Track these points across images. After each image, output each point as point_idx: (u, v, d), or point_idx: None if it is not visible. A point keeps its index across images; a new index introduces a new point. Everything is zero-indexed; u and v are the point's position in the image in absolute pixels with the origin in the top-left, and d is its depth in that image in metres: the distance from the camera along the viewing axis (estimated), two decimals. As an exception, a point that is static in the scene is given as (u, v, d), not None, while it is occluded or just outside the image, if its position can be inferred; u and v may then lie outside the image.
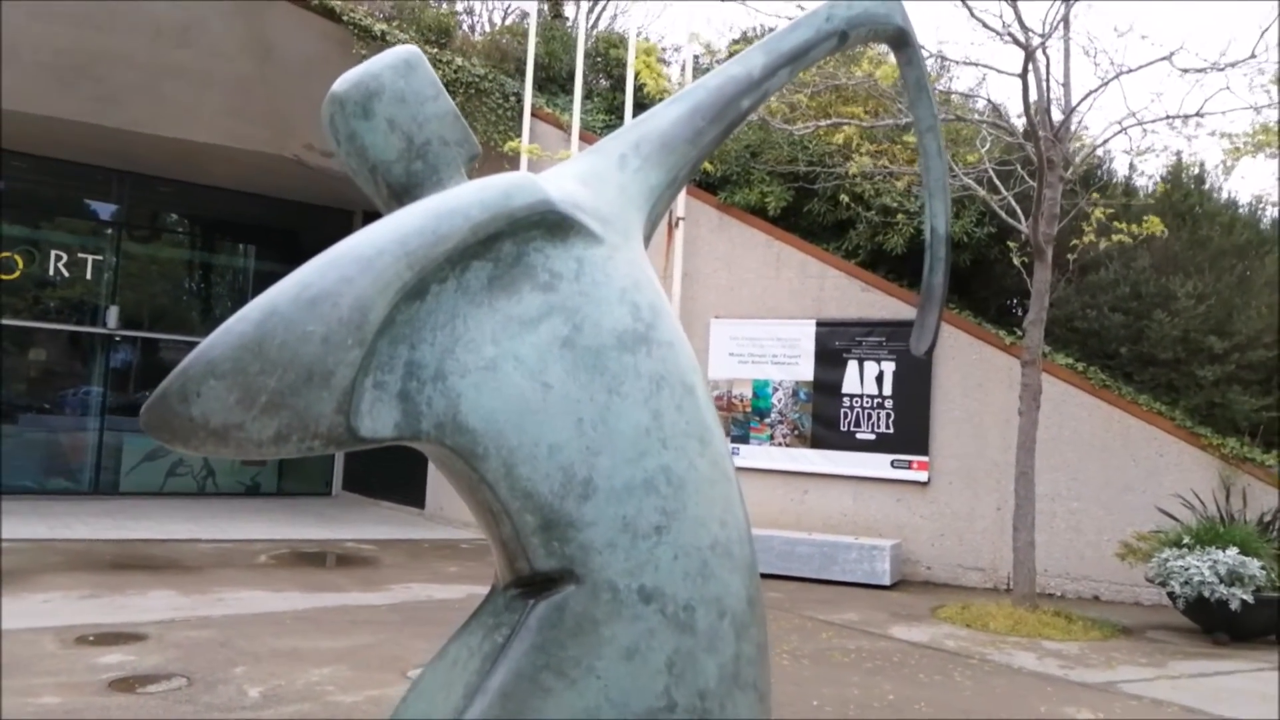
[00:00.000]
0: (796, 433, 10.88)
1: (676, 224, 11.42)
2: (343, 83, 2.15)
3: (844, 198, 10.49)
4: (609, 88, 13.80)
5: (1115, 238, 8.66)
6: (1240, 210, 10.97)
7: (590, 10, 14.73)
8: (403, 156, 2.15)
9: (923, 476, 10.32)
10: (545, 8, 15.47)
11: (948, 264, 3.04)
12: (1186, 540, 7.83)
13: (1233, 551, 7.45)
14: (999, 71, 8.12)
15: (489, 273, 2.01)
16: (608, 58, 13.69)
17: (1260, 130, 9.77)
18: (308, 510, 13.60)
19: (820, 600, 9.02)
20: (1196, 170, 10.88)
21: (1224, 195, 11.12)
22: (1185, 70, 8.02)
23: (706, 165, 10.25)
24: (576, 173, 2.30)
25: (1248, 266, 9.81)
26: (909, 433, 10.39)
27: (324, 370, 1.81)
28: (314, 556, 10.15)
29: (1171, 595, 7.75)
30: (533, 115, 12.27)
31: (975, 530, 10.12)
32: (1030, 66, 7.61)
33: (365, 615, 7.29)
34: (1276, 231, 10.53)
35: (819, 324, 10.82)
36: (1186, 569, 7.47)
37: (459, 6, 15.05)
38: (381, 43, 11.43)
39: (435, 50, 12.09)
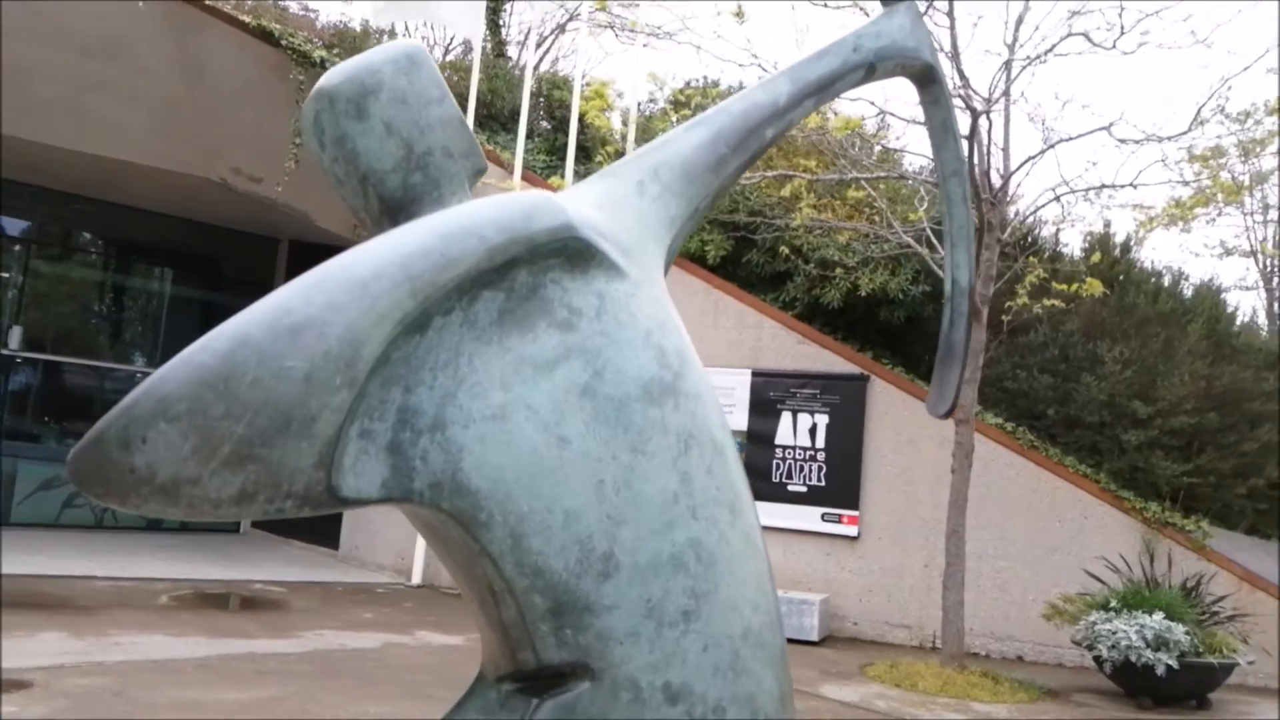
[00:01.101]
0: (728, 483, 10.75)
1: (614, 268, 11.32)
2: (334, 75, 1.86)
3: (784, 249, 10.52)
4: (551, 129, 13.73)
5: (1048, 301, 8.81)
6: (1163, 279, 11.34)
7: (537, 49, 14.70)
8: (400, 166, 1.84)
9: (853, 531, 10.27)
10: (489, 46, 15.39)
11: (969, 319, 2.86)
12: (1113, 604, 7.89)
13: (1158, 616, 7.51)
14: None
15: (500, 305, 1.71)
16: (551, 99, 13.62)
17: (1174, 205, 10.14)
18: (213, 548, 12.93)
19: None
20: (1122, 239, 11.23)
21: (1148, 264, 11.49)
22: (1122, 141, 8.24)
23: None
24: (591, 197, 2.02)
25: (1171, 334, 10.10)
26: (840, 486, 10.35)
27: (305, 415, 1.50)
28: (219, 598, 9.61)
29: (1098, 659, 7.77)
30: (473, 151, 12.10)
31: (903, 587, 10.08)
32: (976, 129, 7.74)
33: (274, 664, 6.86)
34: (1197, 301, 10.88)
35: (755, 374, 10.77)
36: (1114, 633, 7.50)
37: (400, 38, 14.81)
38: (320, 69, 11.17)
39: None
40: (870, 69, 2.53)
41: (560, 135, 13.59)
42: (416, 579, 11.30)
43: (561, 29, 17.10)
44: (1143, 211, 10.52)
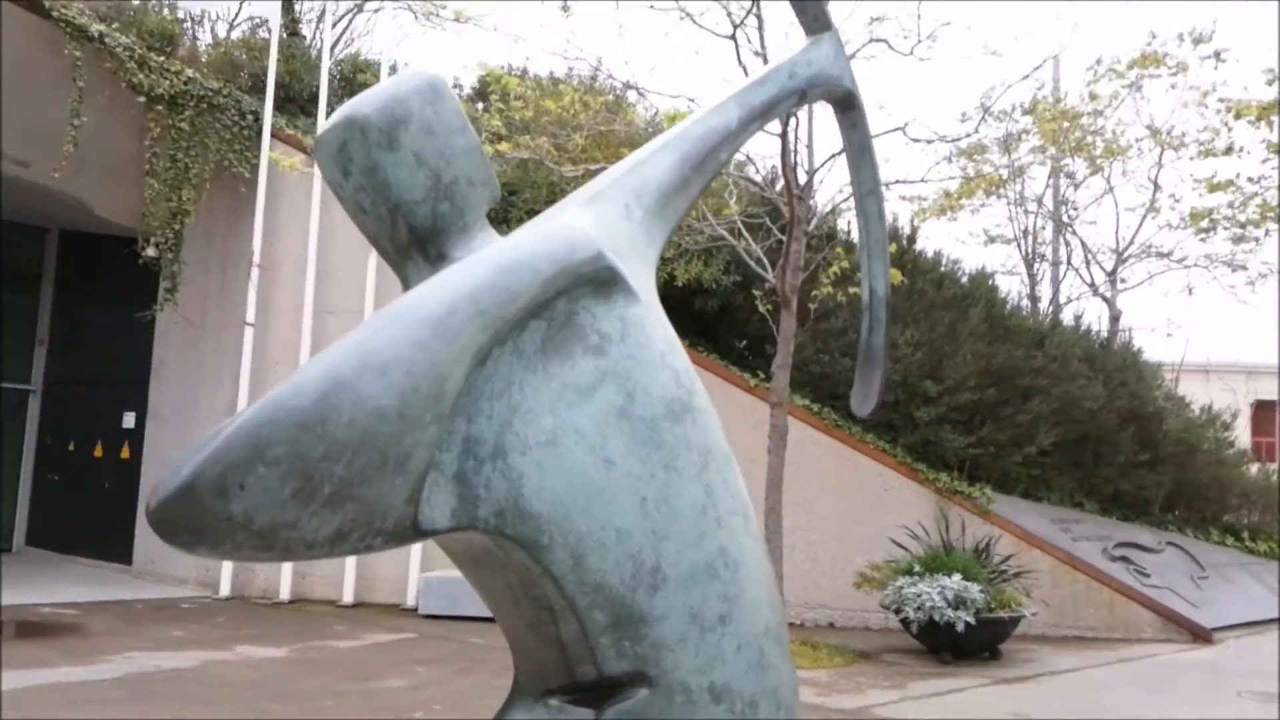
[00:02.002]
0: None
1: (430, 259, 11.10)
2: (365, 105, 1.82)
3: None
4: (353, 114, 13.22)
5: (852, 290, 9.40)
6: (946, 267, 12.33)
7: (334, 27, 14.09)
8: (429, 196, 1.85)
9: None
10: (282, 24, 14.58)
11: (887, 326, 3.06)
12: (917, 569, 8.58)
13: (957, 577, 8.25)
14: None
15: (543, 334, 1.76)
16: (354, 82, 13.11)
17: (943, 195, 11.08)
18: (-15, 570, 11.73)
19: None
20: (909, 230, 12.12)
21: (930, 253, 12.46)
22: (914, 140, 8.91)
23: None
24: (589, 222, 2.05)
25: (955, 318, 11.02)
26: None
27: (400, 453, 1.51)
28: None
29: (905, 620, 8.44)
30: (273, 136, 11.49)
31: (723, 565, 10.51)
32: (785, 129, 8.14)
33: (86, 693, 6.35)
34: (974, 287, 11.93)
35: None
36: (919, 595, 8.17)
37: (181, 13, 13.83)
38: (99, 44, 10.27)
39: (162, 59, 11.02)
40: (803, 95, 2.70)
41: (365, 121, 13.13)
42: (225, 591, 10.71)
43: (359, 8, 16.44)
44: (918, 202, 11.41)
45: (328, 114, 11.66)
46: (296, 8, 15.77)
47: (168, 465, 1.48)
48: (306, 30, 16.39)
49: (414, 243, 1.86)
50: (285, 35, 14.63)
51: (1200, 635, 9.93)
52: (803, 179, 9.03)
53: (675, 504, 1.83)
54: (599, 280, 1.85)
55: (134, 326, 12.04)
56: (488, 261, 1.74)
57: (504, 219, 11.46)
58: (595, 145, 9.63)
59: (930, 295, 10.84)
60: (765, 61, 8.32)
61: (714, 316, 11.36)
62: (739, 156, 10.35)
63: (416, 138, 1.83)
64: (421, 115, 1.85)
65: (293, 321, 11.09)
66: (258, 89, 12.14)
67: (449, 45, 13.15)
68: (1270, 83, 17.58)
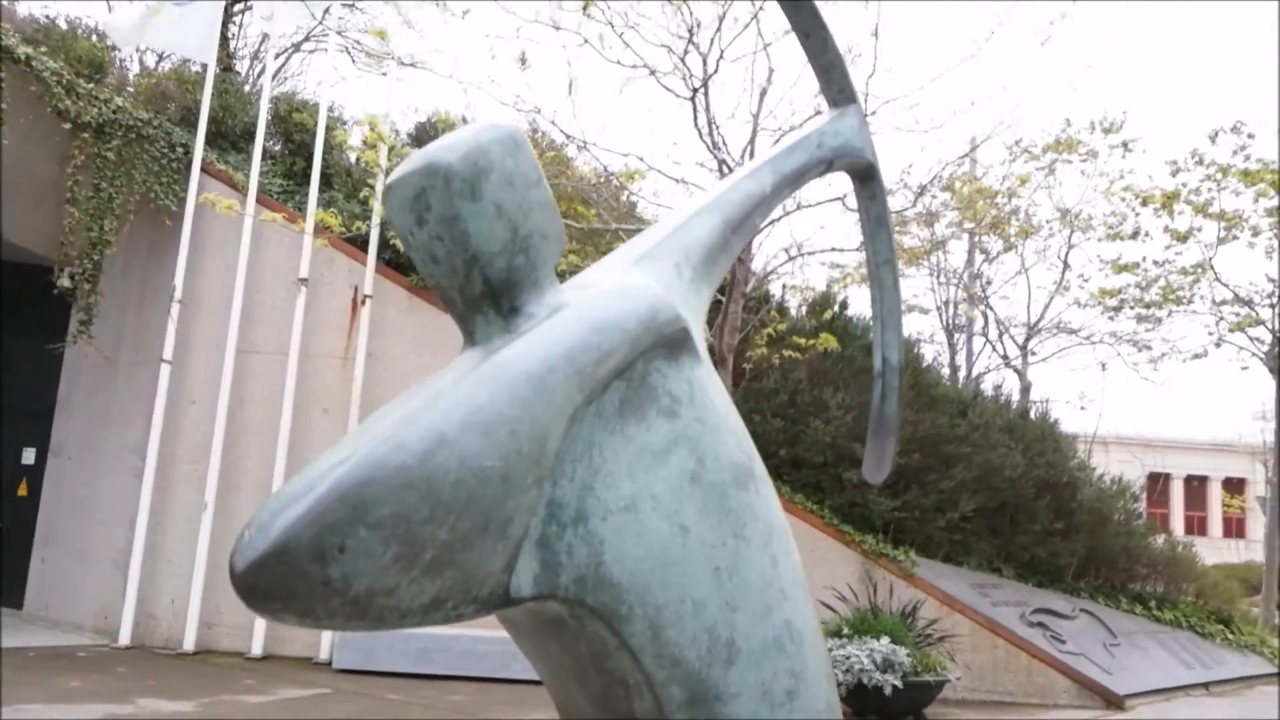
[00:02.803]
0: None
1: (363, 302, 10.90)
2: (447, 152, 1.74)
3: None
4: (288, 152, 13.02)
5: (787, 352, 9.54)
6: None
7: (275, 59, 13.89)
8: (506, 248, 1.78)
9: (602, 570, 10.47)
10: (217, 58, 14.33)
11: (900, 394, 3.08)
12: (845, 631, 8.60)
13: (884, 640, 8.29)
14: (700, 189, 8.74)
15: (622, 394, 1.71)
16: (289, 121, 12.93)
17: (861, 265, 11.40)
18: None
19: (504, 701, 8.74)
20: (842, 295, 12.39)
21: (862, 319, 12.72)
22: (851, 209, 9.15)
23: (400, 242, 9.95)
24: (649, 279, 2.03)
25: (884, 383, 11.24)
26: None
27: (502, 517, 1.46)
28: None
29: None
30: (203, 170, 11.23)
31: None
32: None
33: (-26, 752, 5.91)
34: (903, 355, 12.19)
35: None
36: (848, 658, 8.17)
37: (111, 41, 13.50)
38: (26, 67, 9.94)
39: (90, 85, 10.71)
40: (829, 164, 2.77)
41: (298, 160, 12.93)
42: (124, 639, 10.15)
43: (296, 47, 16.28)
44: (840, 270, 11.66)
45: (264, 152, 11.48)
46: (231, 43, 15.55)
47: (252, 522, 1.37)
48: (240, 66, 16.16)
49: (487, 295, 1.79)
50: (219, 69, 14.41)
51: (1113, 701, 10.14)
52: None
53: (745, 574, 1.79)
54: (674, 341, 1.83)
55: (40, 359, 11.51)
56: (579, 320, 1.70)
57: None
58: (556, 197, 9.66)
59: (860, 360, 11.03)
60: (712, 127, 8.49)
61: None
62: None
63: (498, 189, 1.77)
64: (503, 166, 1.79)
65: (213, 360, 10.75)
66: (188, 122, 11.89)
67: (387, 90, 13.09)
68: (1174, 173, 18.69)
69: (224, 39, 14.80)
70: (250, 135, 11.90)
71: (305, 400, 10.76)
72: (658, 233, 2.31)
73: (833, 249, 9.58)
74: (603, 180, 9.42)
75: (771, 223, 9.40)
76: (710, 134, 8.13)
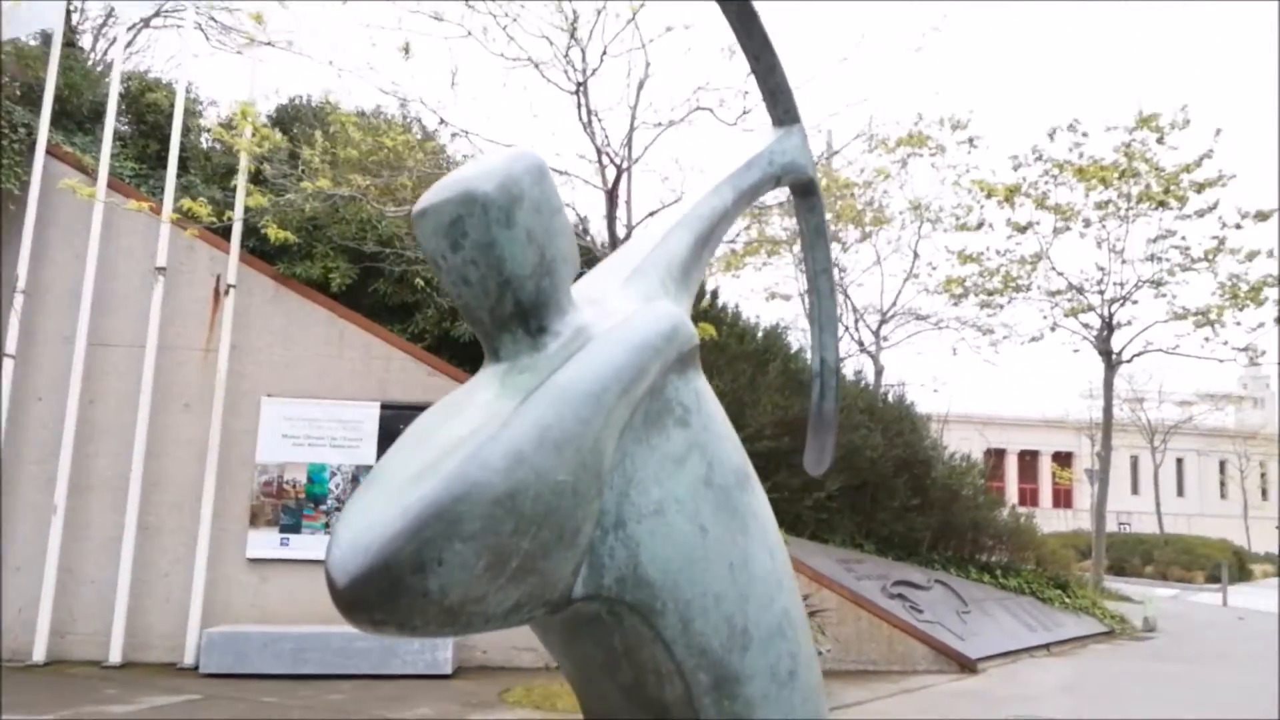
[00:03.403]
0: (354, 520, 10.40)
1: (226, 291, 10.48)
2: (483, 181, 1.79)
3: (419, 281, 10.48)
4: (139, 134, 12.35)
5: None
6: (746, 322, 12.99)
7: (126, 47, 13.08)
8: (535, 272, 1.84)
9: (482, 561, 10.45)
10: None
11: (837, 392, 3.25)
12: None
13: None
14: (588, 183, 8.81)
15: (647, 407, 1.80)
16: (141, 101, 12.25)
17: (730, 254, 11.78)
18: None
19: (386, 698, 8.65)
20: (714, 285, 12.70)
21: (733, 308, 13.08)
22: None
23: (273, 231, 9.61)
24: (642, 295, 2.14)
25: (755, 371, 11.61)
26: (470, 517, 10.48)
27: (573, 527, 1.55)
28: None
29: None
30: (48, 153, 10.53)
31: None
32: (616, 186, 8.39)
33: None
34: (771, 341, 12.63)
35: (384, 406, 10.57)
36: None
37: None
38: None
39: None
40: (779, 180, 2.94)
41: (151, 142, 12.29)
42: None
43: (145, 22, 15.37)
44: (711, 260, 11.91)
45: (115, 134, 10.86)
46: (73, 16, 14.57)
47: (340, 540, 1.46)
48: (83, 42, 15.17)
49: (517, 316, 1.87)
50: (62, 45, 13.53)
51: (967, 665, 10.86)
52: (622, 233, 9.30)
53: (752, 568, 1.95)
54: (687, 356, 1.97)
55: None
56: (622, 342, 1.81)
57: (308, 254, 11.04)
58: (423, 185, 9.50)
59: (734, 348, 11.37)
60: (593, 120, 8.55)
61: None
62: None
63: (529, 216, 1.85)
64: (532, 194, 1.86)
65: (61, 354, 10.14)
66: (29, 100, 11.11)
67: (251, 71, 12.51)
68: (1015, 168, 19.91)
69: (66, 13, 13.86)
70: (98, 115, 11.24)
71: (164, 395, 10.30)
72: (640, 248, 2.42)
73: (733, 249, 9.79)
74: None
75: (651, 214, 9.58)
76: (590, 126, 8.22)
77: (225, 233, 10.43)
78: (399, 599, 1.42)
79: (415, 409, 10.54)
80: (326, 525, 10.35)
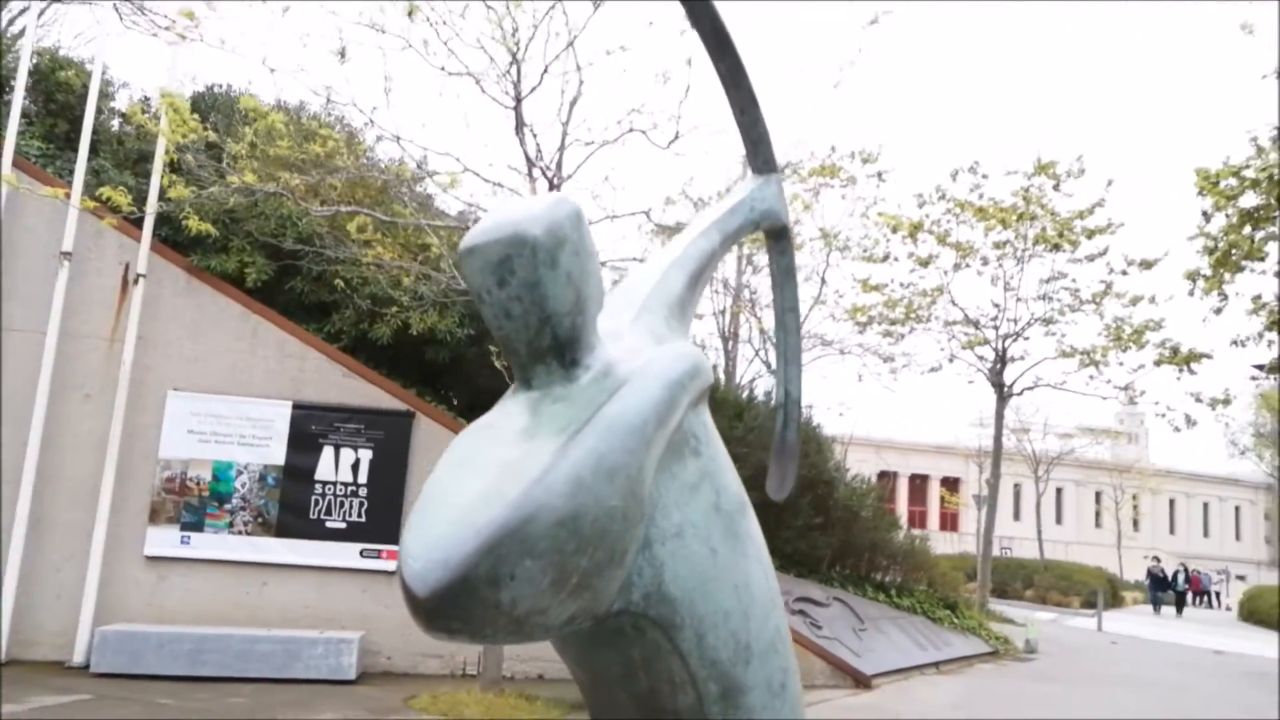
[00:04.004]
0: (260, 520, 10.19)
1: (135, 281, 10.17)
2: (531, 225, 1.90)
3: (339, 281, 10.36)
4: (48, 113, 11.90)
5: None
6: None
7: (36, 16, 12.52)
8: (572, 310, 1.97)
9: (391, 566, 10.34)
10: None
11: (798, 422, 3.43)
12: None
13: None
14: (514, 191, 8.84)
15: (667, 437, 1.96)
16: (51, 79, 11.82)
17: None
18: None
19: (289, 702, 8.50)
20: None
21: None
22: (659, 225, 9.58)
23: (194, 223, 9.39)
24: (649, 330, 2.31)
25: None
26: (381, 521, 10.39)
27: (622, 548, 1.71)
28: None
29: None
30: (-50, 127, 10.08)
31: (437, 618, 10.38)
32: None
33: None
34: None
35: (296, 406, 10.39)
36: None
37: None
38: None
39: None
40: (757, 224, 3.15)
41: (59, 122, 11.87)
42: None
43: (55, -2, 14.75)
44: (619, 272, 12.14)
45: (23, 113, 10.45)
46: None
47: (415, 555, 1.60)
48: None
49: (553, 349, 2.00)
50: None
51: (862, 681, 11.22)
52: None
53: (752, 588, 2.13)
54: (703, 391, 2.14)
55: None
56: (656, 378, 1.96)
57: (224, 247, 10.81)
58: (354, 188, 9.42)
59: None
60: (527, 135, 8.61)
61: (444, 367, 11.35)
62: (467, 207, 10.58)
63: (569, 258, 1.97)
64: (573, 238, 1.98)
65: (-44, 339, 9.70)
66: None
67: (172, 57, 12.10)
68: (920, 205, 20.70)
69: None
70: (2, 91, 10.79)
71: (64, 384, 9.93)
72: (642, 286, 2.59)
73: (631, 259, 9.95)
74: (417, 176, 9.32)
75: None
76: (524, 141, 8.30)
77: (136, 220, 10.13)
78: (475, 609, 1.55)
79: (330, 410, 10.46)
80: (231, 524, 10.12)
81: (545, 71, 7.95)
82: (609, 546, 1.71)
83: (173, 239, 10.58)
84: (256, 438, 10.30)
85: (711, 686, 2.02)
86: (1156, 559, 36.59)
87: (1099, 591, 26.38)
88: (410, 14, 7.39)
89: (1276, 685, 14.14)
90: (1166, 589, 32.63)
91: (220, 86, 14.02)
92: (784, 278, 3.50)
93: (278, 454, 10.31)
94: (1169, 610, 32.79)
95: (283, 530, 10.20)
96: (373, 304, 10.86)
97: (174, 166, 10.22)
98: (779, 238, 3.40)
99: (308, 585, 10.24)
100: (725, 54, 2.98)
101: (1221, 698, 12.92)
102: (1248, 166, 11.75)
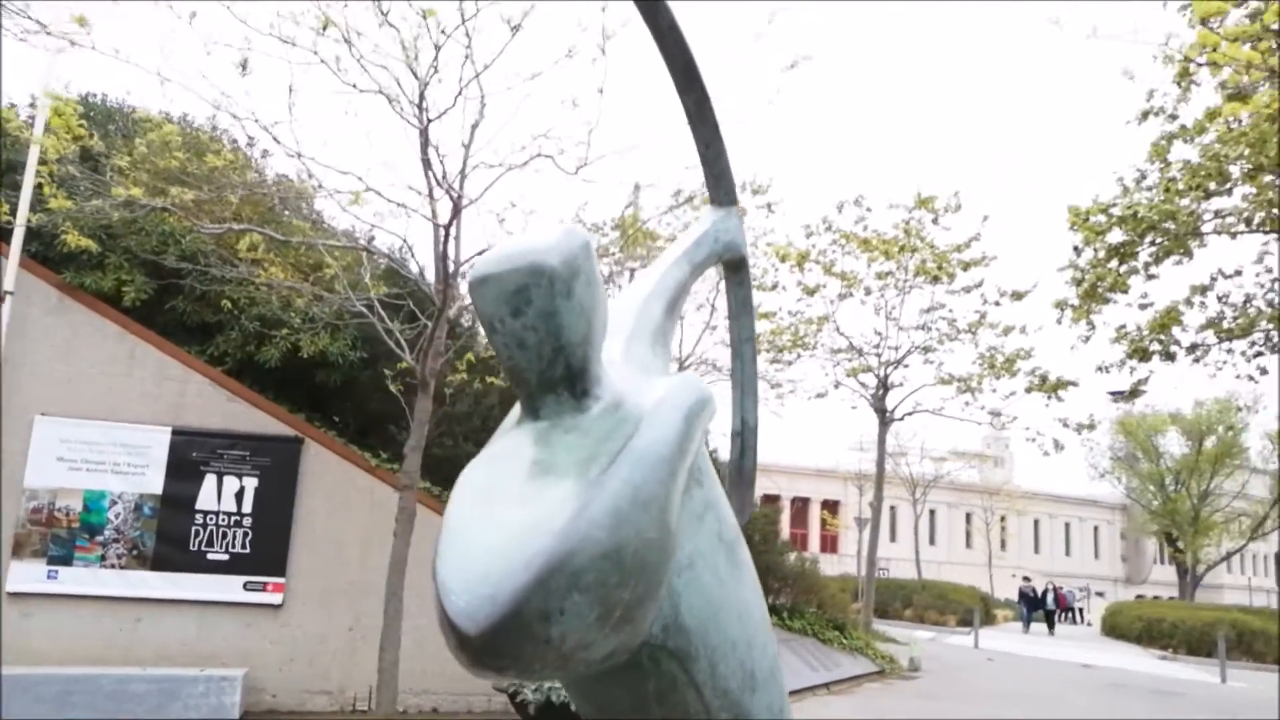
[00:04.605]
0: (135, 552, 9.63)
1: (1, 299, 9.54)
2: (547, 256, 1.89)
3: (226, 302, 9.94)
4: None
5: (490, 379, 9.72)
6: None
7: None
8: (584, 340, 1.95)
9: (277, 599, 9.94)
10: None
11: (755, 451, 3.42)
12: (534, 650, 8.88)
13: (572, 658, 8.67)
14: (423, 216, 8.63)
15: (687, 468, 1.93)
16: (-94, 81, 11.03)
17: None
18: None
19: (166, 745, 8.04)
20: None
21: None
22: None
23: (73, 237, 8.87)
24: (638, 360, 2.32)
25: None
26: (266, 553, 9.97)
27: (658, 580, 1.68)
28: None
29: (522, 702, 8.67)
30: None
31: (326, 652, 10.02)
32: (453, 222, 8.34)
33: None
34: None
35: (175, 432, 9.89)
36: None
37: None
38: None
39: None
40: (720, 256, 3.20)
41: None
42: None
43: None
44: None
45: None
46: None
47: (458, 591, 1.57)
48: None
49: (565, 379, 1.98)
50: None
51: (757, 704, 11.31)
52: (452, 269, 9.22)
53: (753, 616, 2.14)
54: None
55: None
56: (675, 410, 1.94)
57: (100, 264, 10.25)
58: (243, 204, 9.06)
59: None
60: (429, 152, 8.44)
61: (335, 391, 11.00)
62: (391, 239, 10.31)
63: (583, 289, 1.96)
64: (585, 269, 1.99)
65: None
66: None
67: (48, 64, 11.39)
68: (808, 235, 21.28)
69: None
70: None
71: (-83, 408, 9.21)
72: (626, 315, 2.60)
73: None
74: (312, 192, 9.04)
75: (478, 253, 9.56)
76: (430, 162, 8.14)
77: (3, 234, 9.52)
78: (525, 646, 1.53)
79: (213, 436, 10.00)
80: (103, 557, 9.53)
81: (460, 94, 7.84)
82: (648, 579, 1.70)
83: (43, 255, 9.97)
84: (132, 465, 9.76)
85: (724, 716, 2.02)
86: (1027, 579, 38.21)
87: (975, 610, 27.39)
88: (325, 27, 7.17)
89: (1139, 695, 14.93)
90: (1038, 608, 33.98)
91: (95, 96, 13.35)
92: (740, 309, 3.55)
93: (155, 482, 9.78)
94: (1039, 628, 34.27)
95: (160, 563, 9.66)
96: (261, 325, 10.46)
97: (43, 179, 9.66)
98: (737, 269, 3.46)
99: (186, 621, 9.72)
100: (693, 88, 3.03)
101: (1092, 709, 13.56)
102: (1115, 205, 12.51)
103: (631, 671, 1.94)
